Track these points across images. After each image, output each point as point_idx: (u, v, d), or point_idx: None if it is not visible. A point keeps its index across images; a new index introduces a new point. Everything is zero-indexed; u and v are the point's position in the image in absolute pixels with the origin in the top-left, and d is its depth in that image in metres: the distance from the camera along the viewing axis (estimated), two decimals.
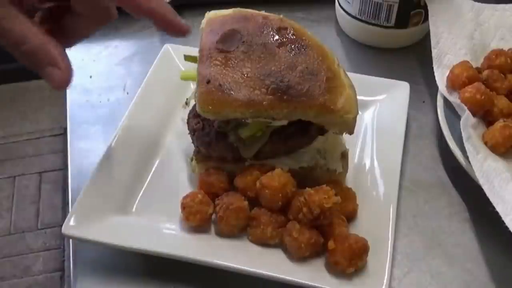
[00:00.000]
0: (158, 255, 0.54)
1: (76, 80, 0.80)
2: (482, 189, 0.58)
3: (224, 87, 0.55)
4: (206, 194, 0.57)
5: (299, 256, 0.54)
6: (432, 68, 0.72)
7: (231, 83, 0.55)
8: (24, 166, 2.05)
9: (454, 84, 0.69)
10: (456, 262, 0.58)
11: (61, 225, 0.55)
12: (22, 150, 2.11)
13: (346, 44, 0.85)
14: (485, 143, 0.63)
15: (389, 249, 0.54)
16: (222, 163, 0.61)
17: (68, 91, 0.77)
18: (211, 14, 0.62)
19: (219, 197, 0.57)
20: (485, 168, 0.60)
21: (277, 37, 0.58)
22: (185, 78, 0.69)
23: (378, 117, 0.69)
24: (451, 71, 0.70)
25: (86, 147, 0.69)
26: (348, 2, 0.81)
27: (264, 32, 0.58)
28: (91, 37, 0.83)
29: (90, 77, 0.79)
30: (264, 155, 0.60)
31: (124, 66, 0.81)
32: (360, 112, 0.60)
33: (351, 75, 0.61)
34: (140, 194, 0.61)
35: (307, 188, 0.54)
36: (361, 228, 0.57)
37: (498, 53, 0.72)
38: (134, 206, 0.60)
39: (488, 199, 0.56)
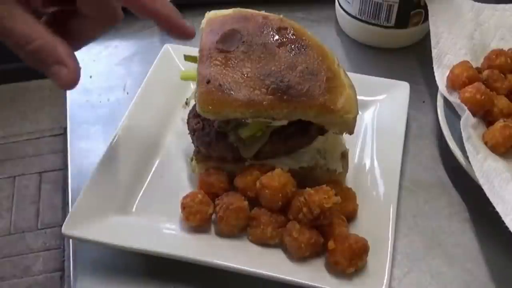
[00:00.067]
0: (158, 255, 0.54)
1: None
2: (482, 189, 0.58)
3: (224, 87, 0.55)
4: (206, 194, 0.57)
5: (299, 256, 0.54)
6: (432, 68, 0.72)
7: (231, 83, 0.55)
8: (24, 166, 2.05)
9: (454, 84, 0.69)
10: (456, 262, 0.58)
11: (61, 225, 0.55)
12: (22, 150, 2.11)
13: (346, 44, 0.85)
14: (485, 143, 0.63)
15: (389, 249, 0.54)
16: (222, 163, 0.61)
17: (68, 91, 0.77)
18: (211, 14, 0.62)
19: (219, 197, 0.57)
20: (485, 168, 0.60)
21: (277, 37, 0.58)
22: (185, 78, 0.69)
23: (378, 117, 0.69)
24: (451, 71, 0.70)
25: (86, 147, 0.69)
26: (348, 2, 0.81)
27: (264, 32, 0.58)
28: None
29: (90, 77, 0.79)
30: (264, 155, 0.60)
31: (124, 66, 0.81)
32: (360, 112, 0.60)
33: (351, 75, 0.61)
34: (140, 194, 0.61)
35: (307, 188, 0.54)
36: (361, 228, 0.57)
37: (498, 53, 0.72)
38: (134, 206, 0.60)
39: (488, 199, 0.56)
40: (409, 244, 0.59)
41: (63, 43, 0.44)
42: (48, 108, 2.23)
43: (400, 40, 0.83)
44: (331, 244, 0.53)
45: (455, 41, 0.75)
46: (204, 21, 0.62)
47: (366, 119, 0.69)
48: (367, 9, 0.79)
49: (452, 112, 0.67)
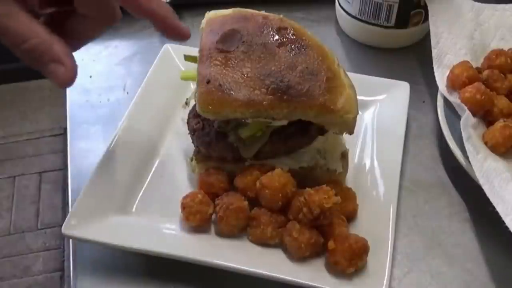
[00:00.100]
0: (158, 255, 0.54)
1: (76, 80, 0.81)
2: (482, 189, 0.58)
3: (224, 87, 0.55)
4: (206, 194, 0.57)
5: (299, 256, 0.54)
6: (432, 68, 0.72)
7: (231, 83, 0.55)
8: (24, 166, 2.05)
9: (454, 84, 0.69)
10: (456, 262, 0.58)
11: (61, 225, 0.55)
12: (22, 150, 2.11)
13: (346, 44, 0.85)
14: (485, 143, 0.63)
15: (389, 249, 0.54)
16: (222, 163, 0.61)
17: (68, 91, 0.77)
18: (211, 14, 0.62)
19: (219, 197, 0.57)
20: (485, 168, 0.60)
21: (277, 37, 0.58)
22: (185, 78, 0.69)
23: (378, 117, 0.69)
24: (451, 71, 0.70)
25: (86, 147, 0.69)
26: (348, 2, 0.81)
27: (264, 32, 0.58)
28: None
29: (90, 77, 0.79)
30: (264, 155, 0.60)
31: (124, 66, 0.81)
32: (360, 112, 0.60)
33: (351, 75, 0.61)
34: (140, 194, 0.61)
35: (307, 188, 0.54)
36: (361, 228, 0.57)
37: (498, 53, 0.72)
38: (134, 206, 0.60)
39: (488, 199, 0.56)
40: (409, 244, 0.59)
41: (60, 41, 0.44)
42: (48, 108, 2.23)
43: (400, 40, 0.83)
44: (331, 244, 0.53)
45: (455, 41, 0.75)
46: (204, 21, 0.62)
47: (366, 119, 0.69)
48: (367, 9, 0.79)
49: (452, 112, 0.67)
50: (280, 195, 0.55)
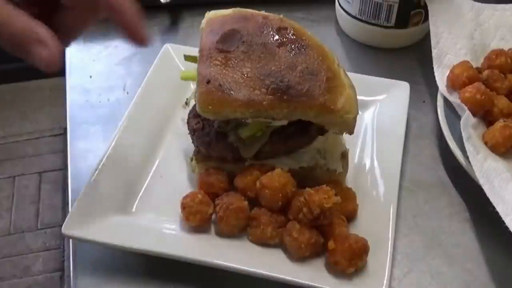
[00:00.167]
0: (158, 255, 0.54)
1: (76, 80, 0.81)
2: (482, 189, 0.58)
3: (224, 87, 0.55)
4: (206, 194, 0.57)
5: (299, 256, 0.54)
6: (432, 68, 0.72)
7: (231, 83, 0.55)
8: (24, 166, 2.05)
9: (454, 84, 0.69)
10: (456, 262, 0.58)
11: (61, 225, 0.55)
12: (22, 150, 2.11)
13: (346, 44, 0.85)
14: (485, 143, 0.63)
15: (389, 249, 0.54)
16: (222, 163, 0.61)
17: (68, 91, 0.77)
18: (211, 14, 0.62)
19: (219, 197, 0.57)
20: (485, 168, 0.60)
21: (277, 37, 0.58)
22: (185, 78, 0.69)
23: (378, 117, 0.69)
24: (451, 71, 0.70)
25: (86, 147, 0.69)
26: (348, 2, 0.81)
27: (264, 32, 0.58)
28: (91, 37, 0.84)
29: (90, 77, 0.79)
30: (264, 155, 0.60)
31: (124, 66, 0.81)
32: (360, 112, 0.60)
33: (351, 75, 0.60)
34: (140, 194, 0.61)
35: (307, 188, 0.54)
36: (361, 228, 0.57)
37: (498, 53, 0.72)
38: (134, 206, 0.60)
39: (488, 199, 0.56)
40: (409, 244, 0.59)
41: (44, 26, 0.43)
42: (48, 108, 2.23)
43: (400, 40, 0.83)
44: (331, 244, 0.53)
45: (455, 41, 0.75)
46: (204, 21, 0.62)
47: (366, 119, 0.69)
48: (367, 9, 0.79)
49: (452, 112, 0.67)
50: (280, 195, 0.55)
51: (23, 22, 0.42)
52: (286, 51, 0.57)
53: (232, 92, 0.55)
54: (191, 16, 0.89)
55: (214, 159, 0.61)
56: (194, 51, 0.63)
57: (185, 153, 0.66)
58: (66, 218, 0.55)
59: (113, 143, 0.63)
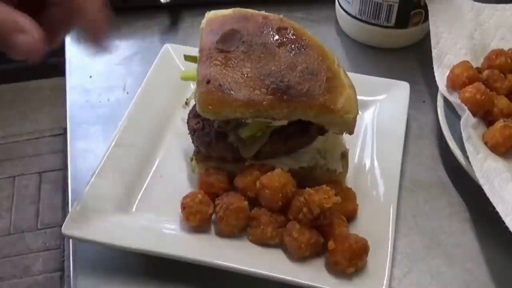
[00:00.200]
0: (158, 255, 0.54)
1: (76, 80, 0.81)
2: (482, 189, 0.58)
3: (224, 87, 0.55)
4: (206, 194, 0.57)
5: (299, 256, 0.54)
6: (432, 68, 0.72)
7: (231, 83, 0.55)
8: (24, 166, 2.05)
9: (454, 84, 0.69)
10: (456, 262, 0.58)
11: (61, 225, 0.55)
12: (22, 150, 2.11)
13: (346, 44, 0.85)
14: (485, 143, 0.63)
15: (389, 249, 0.54)
16: (222, 163, 0.60)
17: (68, 91, 0.77)
18: (211, 14, 0.62)
19: (219, 197, 0.57)
20: (485, 168, 0.60)
21: (277, 37, 0.58)
22: (185, 78, 0.69)
23: (378, 117, 0.69)
24: (451, 71, 0.70)
25: (86, 147, 0.69)
26: (348, 2, 0.81)
27: (264, 32, 0.58)
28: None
29: (90, 77, 0.79)
30: (264, 155, 0.60)
31: (124, 66, 0.81)
32: (360, 112, 0.60)
33: (351, 75, 0.60)
34: (140, 194, 0.61)
35: (307, 188, 0.54)
36: (361, 228, 0.57)
37: (498, 53, 0.72)
38: (134, 206, 0.60)
39: (488, 199, 0.56)
40: (409, 244, 0.59)
41: (27, 16, 0.42)
42: (48, 108, 2.23)
43: (400, 40, 0.83)
44: (331, 244, 0.53)
45: (455, 41, 0.75)
46: (204, 21, 0.62)
47: (366, 119, 0.69)
48: (367, 9, 0.79)
49: (452, 112, 0.67)
50: (280, 195, 0.55)
51: (2, 13, 0.41)
52: (286, 51, 0.57)
53: (232, 92, 0.55)
54: (191, 16, 0.89)
55: (214, 159, 0.61)
56: (194, 51, 0.63)
57: (185, 153, 0.66)
58: (66, 218, 0.55)
59: (113, 143, 0.63)
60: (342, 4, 0.83)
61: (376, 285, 0.51)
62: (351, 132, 0.58)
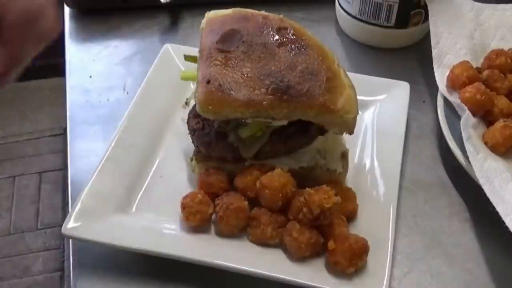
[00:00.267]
0: (158, 255, 0.54)
1: (76, 80, 0.81)
2: (482, 189, 0.58)
3: (224, 87, 0.55)
4: (206, 194, 0.57)
5: (299, 256, 0.54)
6: (432, 68, 0.72)
7: (231, 83, 0.55)
8: (24, 166, 2.05)
9: (454, 84, 0.69)
10: (456, 262, 0.58)
11: (61, 225, 0.55)
12: (22, 150, 2.11)
13: (346, 44, 0.85)
14: (485, 143, 0.63)
15: (389, 249, 0.54)
16: (222, 163, 0.60)
17: (68, 91, 0.77)
18: (211, 14, 0.62)
19: (219, 197, 0.57)
20: (485, 168, 0.60)
21: (277, 37, 0.58)
22: (185, 78, 0.69)
23: (378, 117, 0.69)
24: (451, 71, 0.70)
25: (86, 147, 0.69)
26: (348, 2, 0.81)
27: (264, 32, 0.58)
28: (91, 37, 0.84)
29: (90, 77, 0.79)
30: (264, 155, 0.60)
31: (124, 66, 0.81)
32: (360, 112, 0.60)
33: (351, 75, 0.61)
34: (140, 194, 0.61)
35: (307, 188, 0.54)
36: (361, 228, 0.57)
37: (498, 53, 0.72)
38: (134, 206, 0.60)
39: (488, 199, 0.56)
40: (409, 244, 0.59)
41: None
42: (48, 108, 2.23)
43: (400, 40, 0.83)
44: (331, 244, 0.53)
45: (455, 41, 0.75)
46: (204, 21, 0.62)
47: (366, 119, 0.69)
48: (367, 9, 0.79)
49: (452, 112, 0.67)
50: (280, 195, 0.55)
51: None
52: (286, 51, 0.57)
53: (232, 92, 0.55)
54: (191, 16, 0.89)
55: (214, 159, 0.61)
56: (194, 51, 0.63)
57: (185, 153, 0.66)
58: (66, 218, 0.55)
59: (113, 143, 0.63)
60: (342, 4, 0.83)
61: (376, 285, 0.51)
62: (351, 132, 0.58)
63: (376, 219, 0.57)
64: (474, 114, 0.65)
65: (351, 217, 0.58)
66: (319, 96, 0.55)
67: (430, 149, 0.69)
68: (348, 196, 0.58)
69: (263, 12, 0.62)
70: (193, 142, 0.62)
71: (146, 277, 0.56)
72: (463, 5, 0.78)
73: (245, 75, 0.56)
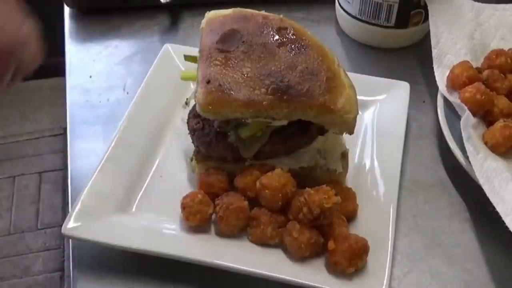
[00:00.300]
0: (158, 255, 0.54)
1: (76, 80, 0.81)
2: (482, 189, 0.58)
3: (224, 87, 0.55)
4: (206, 194, 0.57)
5: (299, 256, 0.54)
6: (432, 68, 0.72)
7: (231, 83, 0.55)
8: (24, 166, 2.05)
9: (454, 84, 0.69)
10: (456, 262, 0.58)
11: (61, 225, 0.55)
12: (22, 150, 2.11)
13: (346, 44, 0.85)
14: (485, 143, 0.63)
15: (389, 249, 0.54)
16: (222, 163, 0.60)
17: (68, 91, 0.77)
18: (211, 14, 0.62)
19: (219, 197, 0.57)
20: (485, 168, 0.60)
21: (277, 37, 0.58)
22: (185, 78, 0.69)
23: (378, 117, 0.69)
24: (451, 71, 0.70)
25: (86, 147, 0.69)
26: (348, 2, 0.81)
27: (264, 32, 0.58)
28: (91, 37, 0.84)
29: (90, 77, 0.79)
30: (264, 155, 0.60)
31: (124, 66, 0.81)
32: (360, 112, 0.60)
33: (351, 75, 0.61)
34: (140, 194, 0.61)
35: (307, 188, 0.54)
36: (361, 228, 0.57)
37: (498, 53, 0.72)
38: (134, 206, 0.60)
39: (488, 199, 0.56)
40: (409, 244, 0.59)
41: None
42: (48, 108, 2.23)
43: (400, 40, 0.83)
44: (331, 244, 0.53)
45: (455, 41, 0.75)
46: (204, 21, 0.62)
47: (366, 119, 0.69)
48: (367, 9, 0.79)
49: (452, 112, 0.67)
50: (280, 195, 0.55)
51: None
52: (286, 51, 0.57)
53: (232, 92, 0.55)
54: (191, 16, 0.89)
55: (214, 159, 0.61)
56: (194, 51, 0.63)
57: (185, 153, 0.66)
58: (66, 218, 0.55)
59: (113, 143, 0.63)
60: (342, 4, 0.83)
61: (376, 285, 0.51)
62: (351, 132, 0.58)
63: (376, 219, 0.57)
64: (474, 114, 0.65)
65: (351, 217, 0.58)
66: (319, 96, 0.55)
67: (430, 149, 0.69)
68: (348, 196, 0.58)
69: (263, 12, 0.62)
70: (193, 142, 0.62)
71: (146, 277, 0.56)
72: (463, 5, 0.78)
73: (245, 75, 0.56)
